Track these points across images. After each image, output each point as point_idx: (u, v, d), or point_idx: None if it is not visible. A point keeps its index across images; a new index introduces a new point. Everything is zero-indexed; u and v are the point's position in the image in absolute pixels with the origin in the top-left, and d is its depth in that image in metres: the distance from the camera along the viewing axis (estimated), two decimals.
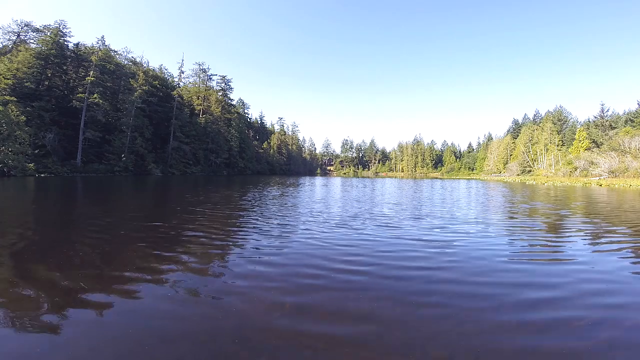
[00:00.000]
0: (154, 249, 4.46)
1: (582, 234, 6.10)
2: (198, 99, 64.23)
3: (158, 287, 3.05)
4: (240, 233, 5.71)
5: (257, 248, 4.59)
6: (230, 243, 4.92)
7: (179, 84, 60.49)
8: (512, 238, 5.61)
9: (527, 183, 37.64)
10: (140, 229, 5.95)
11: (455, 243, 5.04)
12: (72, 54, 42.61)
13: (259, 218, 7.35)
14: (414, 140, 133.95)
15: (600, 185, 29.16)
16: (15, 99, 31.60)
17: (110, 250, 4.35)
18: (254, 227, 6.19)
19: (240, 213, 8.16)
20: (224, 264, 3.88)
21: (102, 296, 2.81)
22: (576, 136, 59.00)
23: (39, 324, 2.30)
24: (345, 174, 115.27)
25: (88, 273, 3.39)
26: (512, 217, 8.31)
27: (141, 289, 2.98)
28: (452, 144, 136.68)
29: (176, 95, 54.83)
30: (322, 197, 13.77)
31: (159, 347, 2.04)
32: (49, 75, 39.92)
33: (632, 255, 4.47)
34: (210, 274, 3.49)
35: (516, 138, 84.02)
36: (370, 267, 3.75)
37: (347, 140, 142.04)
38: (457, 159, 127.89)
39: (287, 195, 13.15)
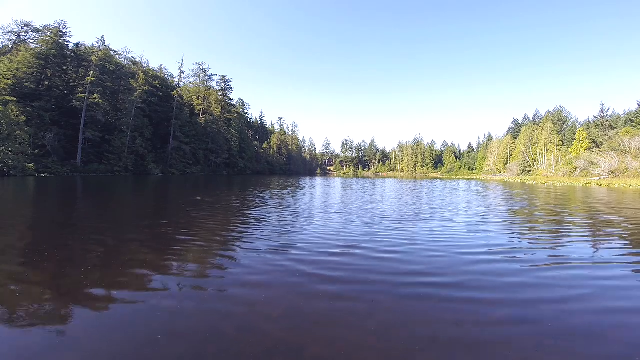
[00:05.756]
0: (154, 250, 4.46)
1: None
2: (198, 99, 64.22)
3: (158, 287, 3.06)
4: (240, 235, 5.72)
5: (256, 250, 4.60)
6: (230, 245, 4.94)
7: (179, 84, 60.48)
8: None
9: (527, 183, 37.64)
10: (140, 229, 5.95)
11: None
12: (72, 54, 42.62)
13: (258, 220, 7.37)
14: (414, 140, 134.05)
15: (600, 186, 29.15)
16: (15, 99, 31.59)
17: (110, 251, 4.35)
18: (253, 229, 6.21)
19: (240, 215, 8.17)
20: (224, 265, 3.89)
21: (102, 297, 2.82)
22: (576, 136, 58.97)
23: (40, 324, 2.31)
24: (345, 174, 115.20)
25: (88, 273, 3.39)
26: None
27: (141, 290, 2.99)
28: (452, 144, 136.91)
29: (176, 95, 54.84)
30: (321, 204, 13.79)
31: (159, 347, 2.04)
32: (49, 75, 39.91)
33: None
34: (210, 276, 3.50)
35: (516, 138, 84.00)
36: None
37: (347, 140, 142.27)
38: (457, 159, 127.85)
39: (281, 207, 13.12)
